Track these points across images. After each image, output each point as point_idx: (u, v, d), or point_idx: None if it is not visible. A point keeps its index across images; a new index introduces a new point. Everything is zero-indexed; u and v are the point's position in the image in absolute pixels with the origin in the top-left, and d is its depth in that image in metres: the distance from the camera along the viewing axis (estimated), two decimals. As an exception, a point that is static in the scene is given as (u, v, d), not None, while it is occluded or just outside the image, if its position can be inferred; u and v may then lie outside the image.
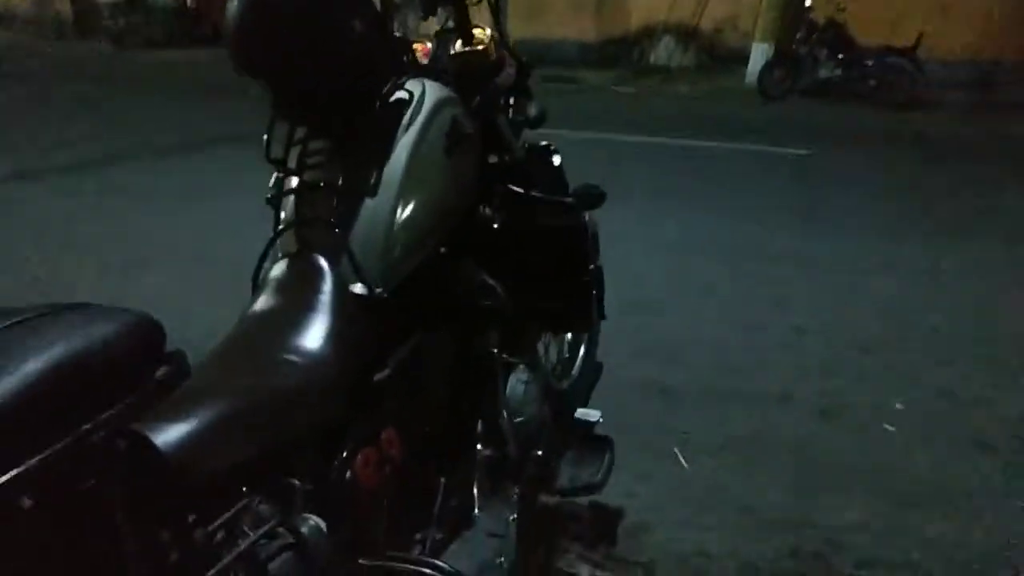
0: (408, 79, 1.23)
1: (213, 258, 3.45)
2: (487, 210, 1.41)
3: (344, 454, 0.99)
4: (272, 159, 1.12)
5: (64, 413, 0.60)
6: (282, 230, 1.09)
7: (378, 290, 1.05)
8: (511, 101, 1.53)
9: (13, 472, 0.55)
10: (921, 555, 1.80)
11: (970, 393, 2.53)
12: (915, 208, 4.63)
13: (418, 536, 1.17)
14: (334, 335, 0.96)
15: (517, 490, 1.43)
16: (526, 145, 1.56)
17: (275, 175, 1.14)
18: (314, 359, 0.91)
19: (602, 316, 1.70)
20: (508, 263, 1.40)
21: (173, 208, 4.46)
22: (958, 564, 1.79)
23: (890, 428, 2.33)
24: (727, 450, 2.21)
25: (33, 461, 0.55)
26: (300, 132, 1.14)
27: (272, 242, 1.09)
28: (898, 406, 2.44)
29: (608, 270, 1.69)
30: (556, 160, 1.63)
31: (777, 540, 1.85)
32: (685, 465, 2.15)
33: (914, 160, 5.94)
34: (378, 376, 1.07)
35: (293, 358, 0.90)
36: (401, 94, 1.20)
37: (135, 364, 0.64)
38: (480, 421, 1.41)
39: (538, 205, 1.50)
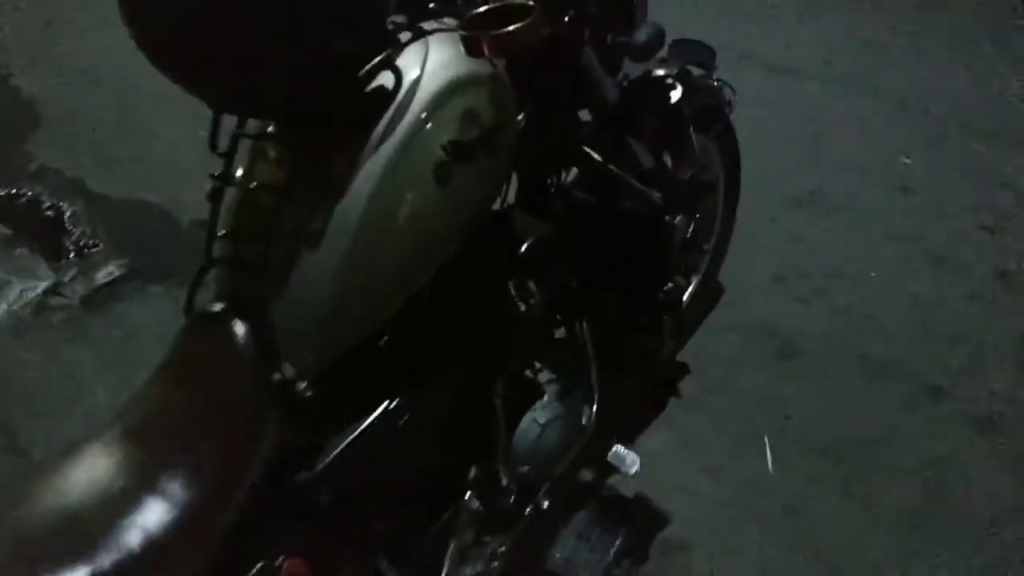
0: (403, 46, 0.86)
1: None
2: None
3: None
4: (217, 152, 0.91)
5: None
6: (210, 263, 0.90)
7: (301, 385, 0.86)
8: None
9: None
10: None
11: None
12: None
13: None
14: (238, 440, 0.81)
15: (500, 550, 1.11)
16: (625, 81, 1.04)
17: (211, 183, 0.90)
18: (204, 480, 0.76)
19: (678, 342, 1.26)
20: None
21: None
22: None
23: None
24: (833, 456, 1.74)
25: None
26: (251, 126, 0.92)
27: (201, 273, 0.92)
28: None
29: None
30: (674, 96, 1.08)
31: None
32: (770, 465, 1.72)
33: None
34: (300, 478, 0.87)
35: (176, 481, 0.75)
36: (383, 78, 0.83)
37: None
38: (471, 468, 1.08)
39: (615, 185, 1.04)
